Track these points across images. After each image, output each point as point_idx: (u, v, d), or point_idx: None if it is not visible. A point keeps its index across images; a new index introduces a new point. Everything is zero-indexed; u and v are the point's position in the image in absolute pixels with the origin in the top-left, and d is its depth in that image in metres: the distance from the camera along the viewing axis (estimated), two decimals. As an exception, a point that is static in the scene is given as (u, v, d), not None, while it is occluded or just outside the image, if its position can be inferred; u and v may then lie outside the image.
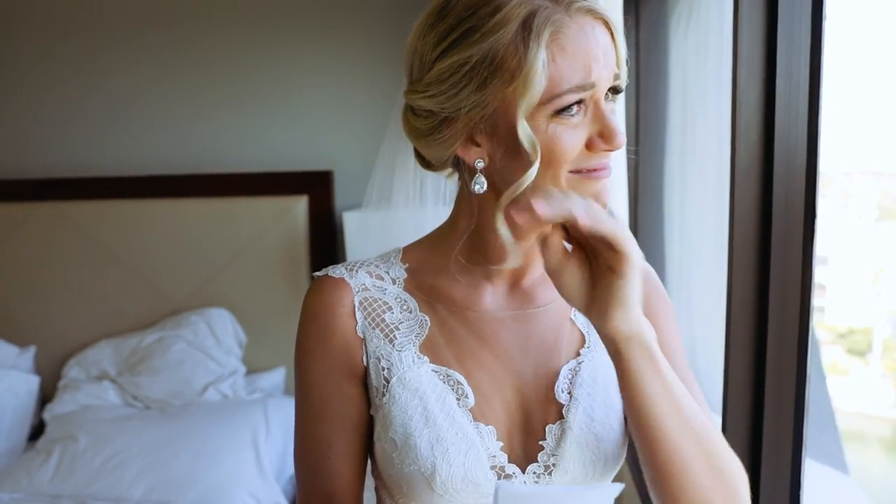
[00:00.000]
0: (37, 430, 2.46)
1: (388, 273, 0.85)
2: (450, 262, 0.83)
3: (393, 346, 0.81)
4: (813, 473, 1.17)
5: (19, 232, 2.61)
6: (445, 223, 0.87)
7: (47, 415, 2.36)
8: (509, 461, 0.79)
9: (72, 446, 2.18)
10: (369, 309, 0.82)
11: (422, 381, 0.79)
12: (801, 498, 1.12)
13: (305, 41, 2.58)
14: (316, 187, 2.54)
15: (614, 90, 0.76)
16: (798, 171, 1.05)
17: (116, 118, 2.65)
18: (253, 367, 2.57)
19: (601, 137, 0.73)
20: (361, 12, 2.54)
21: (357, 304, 0.82)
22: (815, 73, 1.05)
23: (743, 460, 1.15)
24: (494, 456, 0.78)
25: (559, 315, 0.85)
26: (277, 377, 2.55)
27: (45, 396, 2.54)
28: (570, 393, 0.81)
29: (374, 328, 0.82)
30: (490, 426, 0.79)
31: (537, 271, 0.85)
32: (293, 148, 2.61)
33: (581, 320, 0.86)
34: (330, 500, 0.81)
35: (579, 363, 0.84)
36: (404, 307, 0.83)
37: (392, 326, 0.82)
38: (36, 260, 2.61)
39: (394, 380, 0.80)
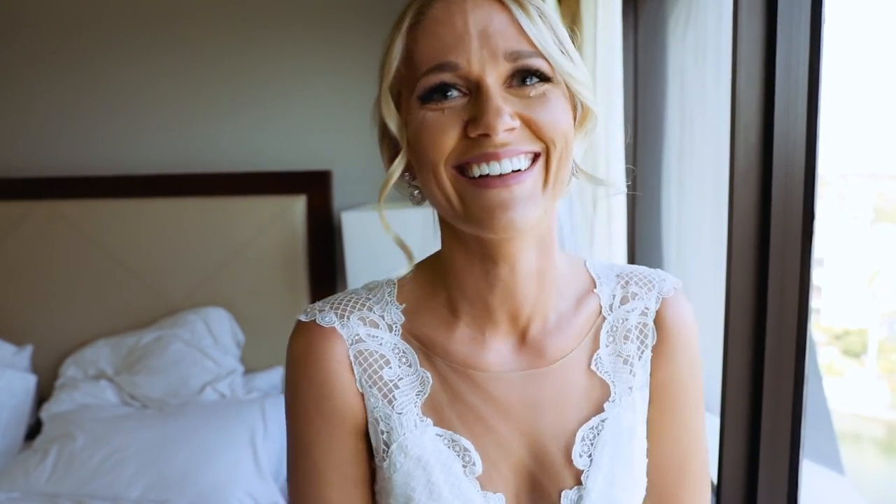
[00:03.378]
0: (34, 430, 2.45)
1: (382, 318, 0.75)
2: (443, 307, 0.76)
3: (392, 407, 0.73)
4: (809, 474, 1.18)
5: (16, 230, 2.61)
6: (434, 255, 0.79)
7: (44, 414, 2.35)
8: None
9: (69, 445, 2.18)
10: (365, 364, 0.74)
11: (425, 449, 0.72)
12: (799, 498, 1.12)
13: (304, 40, 2.58)
14: (314, 187, 2.54)
15: (524, 71, 0.67)
16: (797, 174, 1.06)
17: (114, 117, 2.65)
18: (251, 367, 2.56)
19: (472, 121, 0.66)
20: (360, 12, 2.54)
21: (352, 356, 0.73)
22: (814, 75, 1.05)
23: (741, 461, 1.16)
24: None
25: (576, 367, 0.76)
26: (275, 377, 2.55)
27: (42, 395, 2.53)
28: (590, 456, 0.73)
29: (371, 386, 0.73)
30: (499, 494, 0.73)
31: (547, 319, 0.76)
32: (291, 147, 2.61)
33: (605, 369, 0.76)
34: None
35: (602, 420, 0.74)
36: (403, 360, 0.74)
37: (391, 384, 0.73)
38: (33, 259, 2.61)
39: (394, 446, 0.72)
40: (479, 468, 0.72)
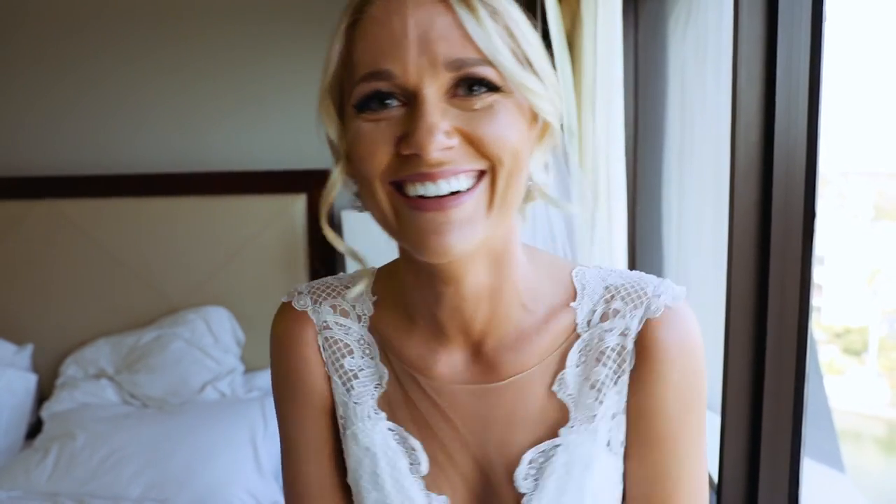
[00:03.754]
0: (34, 429, 2.46)
1: (354, 308, 0.76)
2: (403, 309, 0.74)
3: (350, 396, 0.74)
4: (810, 472, 1.18)
5: (17, 230, 2.61)
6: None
7: (45, 413, 2.36)
8: None
9: (70, 444, 2.18)
10: (329, 351, 0.75)
11: (374, 441, 0.73)
12: (800, 497, 1.12)
13: (304, 37, 2.57)
14: (314, 186, 2.55)
15: (469, 80, 0.60)
16: (798, 172, 1.06)
17: (114, 116, 2.65)
18: (251, 366, 2.56)
19: (405, 138, 0.60)
20: (360, 11, 2.54)
21: (321, 342, 0.76)
22: (815, 73, 1.05)
23: (742, 459, 1.16)
24: None
25: (533, 386, 0.70)
26: (275, 376, 2.55)
27: (43, 394, 2.54)
28: (536, 480, 0.69)
29: (333, 373, 0.76)
30: (443, 497, 0.72)
31: (506, 333, 0.71)
32: (292, 146, 2.61)
33: (568, 391, 0.70)
34: None
35: (555, 446, 0.69)
36: (367, 352, 0.75)
37: (350, 374, 0.75)
38: (33, 258, 2.61)
39: (348, 433, 0.74)
40: (424, 468, 0.72)
